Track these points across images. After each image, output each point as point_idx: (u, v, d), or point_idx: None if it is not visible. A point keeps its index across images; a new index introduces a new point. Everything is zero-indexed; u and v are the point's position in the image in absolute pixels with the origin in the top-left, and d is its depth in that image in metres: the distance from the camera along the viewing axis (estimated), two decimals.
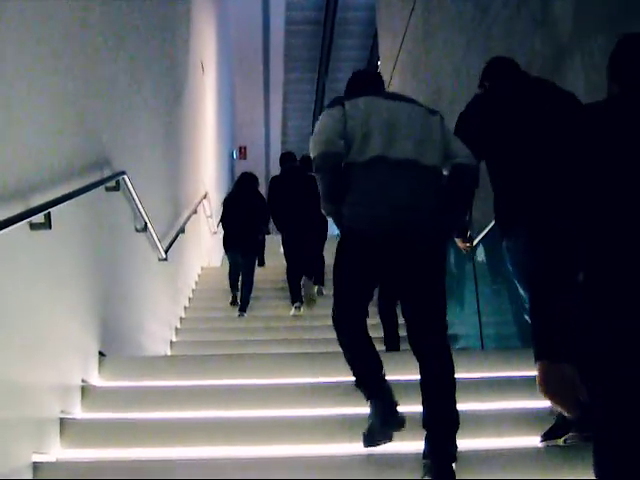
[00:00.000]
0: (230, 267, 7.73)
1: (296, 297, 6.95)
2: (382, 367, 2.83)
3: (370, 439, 2.86)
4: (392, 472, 2.89)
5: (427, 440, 2.70)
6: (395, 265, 2.85)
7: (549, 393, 1.56)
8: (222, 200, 8.31)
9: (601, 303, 1.55)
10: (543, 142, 2.22)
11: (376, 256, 2.80)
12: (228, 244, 7.64)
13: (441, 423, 2.70)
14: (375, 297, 5.07)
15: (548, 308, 1.57)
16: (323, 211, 2.99)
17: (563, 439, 2.81)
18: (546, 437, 2.93)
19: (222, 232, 7.86)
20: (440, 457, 2.65)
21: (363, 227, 2.81)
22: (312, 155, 2.95)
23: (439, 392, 2.74)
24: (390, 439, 2.81)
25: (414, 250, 2.81)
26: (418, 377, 2.80)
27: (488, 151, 3.19)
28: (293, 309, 6.93)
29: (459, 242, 3.55)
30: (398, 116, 2.94)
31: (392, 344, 5.19)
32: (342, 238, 2.93)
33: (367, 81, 3.24)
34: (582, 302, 1.57)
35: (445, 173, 3.00)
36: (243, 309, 7.16)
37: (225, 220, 7.76)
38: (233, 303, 7.45)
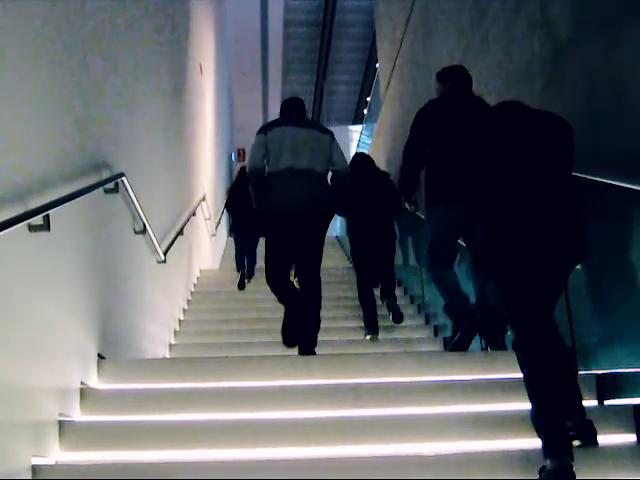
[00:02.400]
0: (237, 249, 9.16)
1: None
2: (300, 295, 4.49)
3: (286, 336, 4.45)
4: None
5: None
6: (297, 227, 4.48)
7: None
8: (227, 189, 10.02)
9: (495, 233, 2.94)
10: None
11: (287, 223, 4.46)
12: (238, 228, 9.12)
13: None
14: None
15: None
16: (253, 204, 4.63)
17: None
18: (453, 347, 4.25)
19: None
20: None
21: (280, 208, 4.47)
22: (246, 169, 4.65)
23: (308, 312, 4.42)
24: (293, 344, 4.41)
25: (307, 218, 4.50)
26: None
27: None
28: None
29: (406, 205, 4.83)
30: (299, 139, 4.51)
31: (371, 326, 6.02)
32: (267, 220, 4.56)
33: (291, 108, 4.80)
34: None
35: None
36: (250, 276, 8.65)
37: (234, 206, 9.03)
38: (241, 286, 8.51)
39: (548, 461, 2.63)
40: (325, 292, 4.70)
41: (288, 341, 4.46)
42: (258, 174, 4.52)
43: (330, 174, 4.71)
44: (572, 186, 3.06)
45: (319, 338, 4.55)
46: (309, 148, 4.49)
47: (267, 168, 4.53)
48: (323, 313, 4.62)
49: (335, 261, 10.39)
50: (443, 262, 4.40)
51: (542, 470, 2.67)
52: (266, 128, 4.60)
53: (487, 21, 5.25)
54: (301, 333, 4.43)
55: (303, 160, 4.46)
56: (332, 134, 4.68)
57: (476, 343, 4.58)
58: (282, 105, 4.89)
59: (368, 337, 6.00)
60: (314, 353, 4.38)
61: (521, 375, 2.92)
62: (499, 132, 3.06)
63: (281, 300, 4.55)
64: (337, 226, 13.86)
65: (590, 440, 2.78)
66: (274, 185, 4.46)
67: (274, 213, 4.49)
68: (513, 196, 2.93)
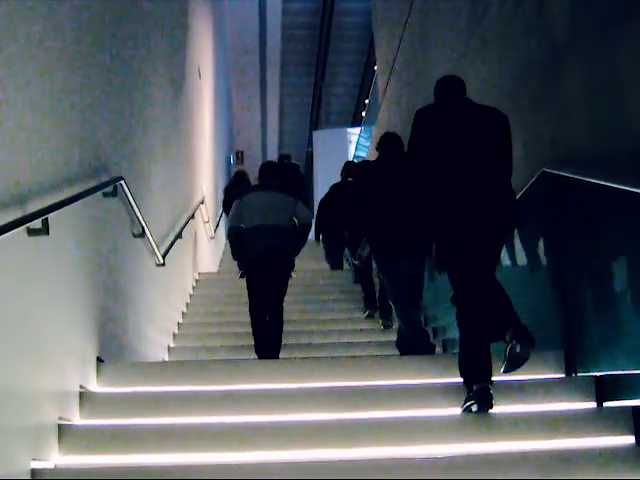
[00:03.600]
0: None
1: None
2: (266, 334, 5.55)
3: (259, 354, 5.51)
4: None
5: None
6: (266, 268, 5.60)
7: None
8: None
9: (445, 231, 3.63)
10: None
11: (258, 267, 5.63)
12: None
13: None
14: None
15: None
16: (232, 255, 5.99)
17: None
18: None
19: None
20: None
21: (253, 256, 5.64)
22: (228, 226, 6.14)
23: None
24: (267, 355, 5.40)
25: (273, 263, 5.60)
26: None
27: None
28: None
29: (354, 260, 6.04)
30: (268, 202, 5.71)
31: (371, 303, 6.85)
32: (244, 265, 5.78)
33: (264, 173, 6.05)
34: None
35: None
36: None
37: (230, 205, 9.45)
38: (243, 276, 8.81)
39: (474, 386, 3.32)
40: None
41: (261, 356, 5.51)
42: (236, 231, 5.77)
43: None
44: (508, 166, 3.75)
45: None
46: (275, 209, 5.69)
47: (243, 225, 5.75)
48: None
49: None
50: None
51: (467, 399, 3.35)
52: (241, 195, 5.90)
53: (485, 23, 5.26)
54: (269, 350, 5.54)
55: (270, 218, 5.62)
56: (296, 196, 5.96)
57: None
58: (259, 169, 6.17)
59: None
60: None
61: (518, 377, 3.28)
62: (448, 124, 3.78)
63: (254, 331, 5.68)
64: None
65: (527, 340, 3.33)
66: (247, 238, 5.66)
67: (249, 259, 5.67)
68: (457, 174, 3.60)
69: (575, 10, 3.75)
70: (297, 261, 6.02)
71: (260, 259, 5.59)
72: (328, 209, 8.01)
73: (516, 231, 4.56)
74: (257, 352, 5.54)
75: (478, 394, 3.30)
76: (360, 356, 5.10)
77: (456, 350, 4.19)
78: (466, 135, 3.70)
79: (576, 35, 3.73)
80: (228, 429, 3.31)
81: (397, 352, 5.09)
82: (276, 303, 5.66)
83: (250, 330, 6.64)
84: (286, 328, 5.76)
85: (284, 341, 5.66)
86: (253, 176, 8.55)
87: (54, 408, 3.15)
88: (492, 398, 3.30)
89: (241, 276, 8.91)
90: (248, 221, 5.67)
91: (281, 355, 5.55)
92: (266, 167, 6.19)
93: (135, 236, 4.93)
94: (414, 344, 4.82)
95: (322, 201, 8.25)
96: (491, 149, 3.71)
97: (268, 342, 5.52)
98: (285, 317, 5.76)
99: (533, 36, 4.31)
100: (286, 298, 5.83)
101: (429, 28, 7.34)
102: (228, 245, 12.75)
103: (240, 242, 5.72)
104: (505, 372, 3.43)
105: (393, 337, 5.54)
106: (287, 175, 8.95)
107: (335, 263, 9.13)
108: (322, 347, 5.96)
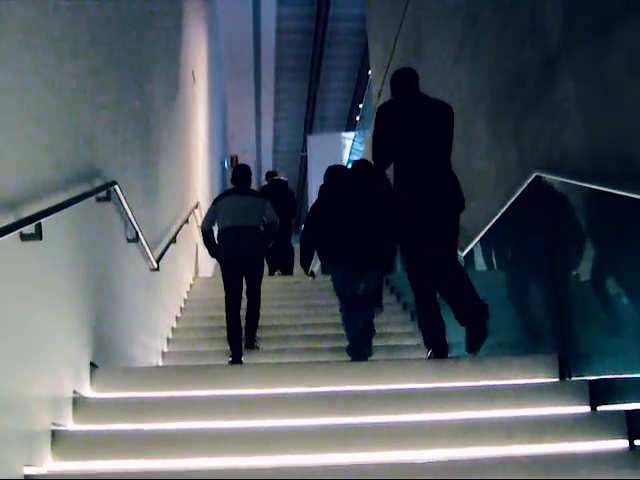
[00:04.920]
0: None
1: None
2: (241, 330, 5.96)
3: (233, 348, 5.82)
4: None
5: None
6: (239, 263, 6.13)
7: None
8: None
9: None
10: None
11: (232, 262, 6.13)
12: None
13: None
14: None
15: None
16: (209, 253, 6.49)
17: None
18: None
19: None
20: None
21: (226, 255, 6.17)
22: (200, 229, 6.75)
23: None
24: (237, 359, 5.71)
25: (243, 262, 6.15)
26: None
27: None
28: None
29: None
30: (239, 204, 6.28)
31: None
32: (220, 263, 6.36)
33: (237, 177, 6.55)
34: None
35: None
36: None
37: None
38: None
39: (433, 344, 4.29)
40: None
41: (236, 362, 5.72)
42: (208, 233, 6.40)
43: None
44: (449, 154, 4.42)
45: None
46: (244, 210, 6.25)
47: (217, 226, 6.38)
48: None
49: None
50: None
51: (430, 355, 4.30)
52: (216, 200, 6.52)
53: (478, 28, 5.28)
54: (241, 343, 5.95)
55: (240, 219, 6.19)
56: (265, 198, 6.54)
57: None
58: (232, 172, 6.72)
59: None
60: (256, 347, 6.12)
61: (512, 382, 3.42)
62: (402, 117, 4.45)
63: (229, 328, 5.93)
64: None
65: (484, 313, 4.07)
66: (221, 237, 6.26)
67: (223, 257, 6.22)
68: (412, 164, 4.33)
69: (568, 14, 3.77)
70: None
71: (234, 255, 6.13)
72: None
73: (510, 236, 4.58)
74: (233, 356, 5.73)
75: (436, 349, 4.24)
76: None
77: (450, 354, 4.23)
78: (421, 128, 4.36)
79: (569, 39, 3.74)
80: (222, 434, 3.31)
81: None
82: (254, 288, 6.29)
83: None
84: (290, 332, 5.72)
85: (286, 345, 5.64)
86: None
87: (47, 413, 3.13)
88: (448, 349, 4.28)
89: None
90: (222, 222, 6.27)
91: (275, 359, 5.54)
92: (236, 170, 6.69)
93: (129, 241, 4.92)
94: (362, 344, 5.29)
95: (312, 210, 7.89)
96: (441, 139, 4.40)
97: (240, 330, 5.98)
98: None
99: (527, 41, 4.33)
100: None
101: (423, 34, 7.36)
102: None
103: (215, 240, 6.33)
104: (469, 350, 4.12)
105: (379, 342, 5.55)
106: (276, 193, 9.19)
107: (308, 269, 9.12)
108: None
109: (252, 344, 6.09)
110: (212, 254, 6.41)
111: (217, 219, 6.32)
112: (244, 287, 6.21)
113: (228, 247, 6.15)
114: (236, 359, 5.68)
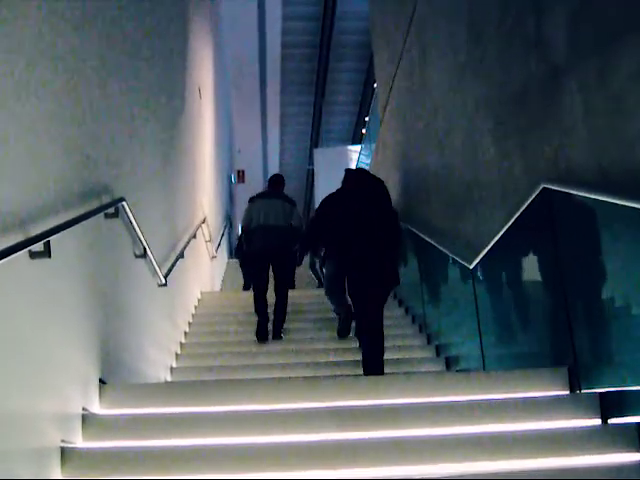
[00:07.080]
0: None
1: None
2: (268, 318, 7.06)
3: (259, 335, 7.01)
4: None
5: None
6: (268, 259, 7.21)
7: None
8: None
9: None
10: None
11: (260, 259, 7.24)
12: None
13: None
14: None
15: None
16: (244, 247, 7.73)
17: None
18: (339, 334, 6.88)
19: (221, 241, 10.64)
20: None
21: (256, 249, 7.26)
22: (240, 225, 8.25)
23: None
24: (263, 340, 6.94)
25: (273, 254, 7.18)
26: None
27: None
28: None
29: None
30: (269, 206, 7.36)
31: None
32: (247, 256, 7.96)
33: (271, 183, 7.79)
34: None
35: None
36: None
37: None
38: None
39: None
40: None
41: (261, 338, 6.93)
42: (247, 229, 7.38)
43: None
44: (393, 230, 5.51)
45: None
46: (275, 212, 7.29)
47: (252, 224, 7.36)
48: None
49: None
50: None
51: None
52: (251, 200, 7.63)
53: (483, 43, 5.29)
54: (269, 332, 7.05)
55: (271, 219, 7.24)
56: (294, 204, 7.52)
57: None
58: (268, 179, 7.96)
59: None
60: (281, 337, 7.01)
61: (522, 395, 3.50)
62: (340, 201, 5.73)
63: (256, 309, 7.12)
64: None
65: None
66: (254, 234, 7.27)
67: (254, 252, 7.29)
68: (348, 243, 5.39)
69: (573, 27, 3.77)
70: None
71: (264, 251, 7.21)
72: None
73: (518, 248, 4.57)
74: (257, 333, 6.91)
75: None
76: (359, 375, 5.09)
77: (459, 367, 4.21)
78: (357, 213, 5.45)
79: (574, 53, 3.75)
80: (233, 450, 3.30)
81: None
82: (282, 284, 7.17)
83: (253, 349, 6.70)
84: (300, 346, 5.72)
85: (293, 359, 5.65)
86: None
87: (57, 431, 3.13)
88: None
89: (244, 288, 10.25)
90: (255, 221, 7.29)
91: (285, 374, 5.54)
92: (271, 177, 7.95)
93: (137, 257, 4.94)
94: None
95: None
96: (378, 218, 5.46)
97: (268, 322, 7.00)
98: None
99: (532, 55, 4.33)
100: None
101: (428, 48, 7.38)
102: (230, 264, 12.89)
103: (249, 236, 7.35)
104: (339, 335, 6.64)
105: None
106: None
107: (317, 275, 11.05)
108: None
109: (279, 335, 7.00)
110: (247, 248, 7.49)
111: (251, 217, 7.34)
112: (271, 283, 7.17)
113: (256, 243, 7.21)
114: (261, 334, 6.89)
